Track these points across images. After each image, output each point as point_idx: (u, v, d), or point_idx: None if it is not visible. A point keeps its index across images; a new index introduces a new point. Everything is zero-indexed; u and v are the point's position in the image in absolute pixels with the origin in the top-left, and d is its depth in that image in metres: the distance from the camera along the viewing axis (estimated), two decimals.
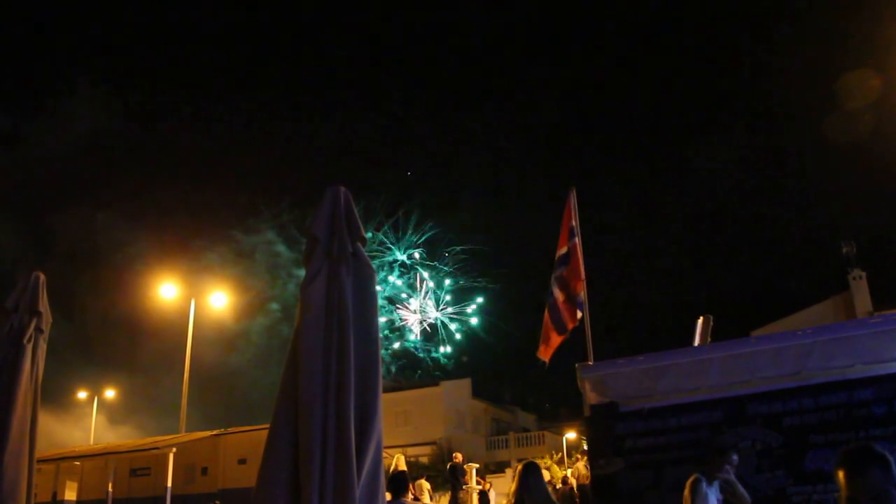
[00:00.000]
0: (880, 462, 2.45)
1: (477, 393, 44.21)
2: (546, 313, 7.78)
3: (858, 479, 2.43)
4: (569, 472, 23.89)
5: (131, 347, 50.79)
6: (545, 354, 7.62)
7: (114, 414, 46.38)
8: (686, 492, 5.03)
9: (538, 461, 7.29)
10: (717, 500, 5.12)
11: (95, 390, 42.81)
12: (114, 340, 51.25)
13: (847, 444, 3.85)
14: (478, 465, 22.43)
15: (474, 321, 50.68)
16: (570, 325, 7.64)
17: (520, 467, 6.43)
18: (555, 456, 33.37)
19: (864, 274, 29.10)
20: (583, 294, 7.73)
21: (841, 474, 2.50)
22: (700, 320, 8.20)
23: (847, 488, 2.47)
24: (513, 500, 6.27)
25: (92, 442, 37.88)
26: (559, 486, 21.26)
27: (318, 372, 3.08)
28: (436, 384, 44.09)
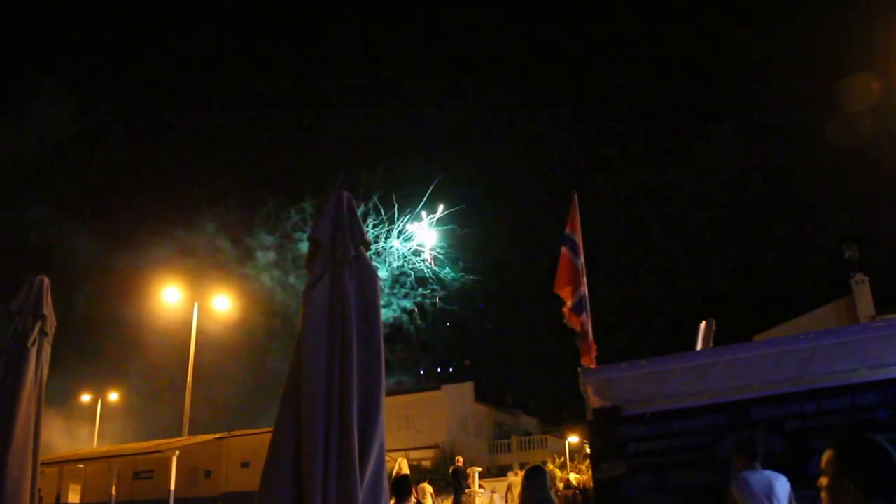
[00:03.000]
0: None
1: (479, 397, 44.19)
2: (587, 319, 7.27)
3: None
4: (571, 476, 23.84)
5: (134, 351, 50.79)
6: (592, 361, 7.10)
7: (116, 417, 46.42)
8: None
9: (540, 465, 7.24)
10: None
11: (99, 393, 42.89)
12: (116, 344, 51.29)
13: None
14: (480, 469, 22.43)
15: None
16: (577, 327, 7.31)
17: (523, 472, 6.45)
18: (557, 460, 33.37)
19: (866, 278, 29.09)
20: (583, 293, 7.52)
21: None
22: (702, 324, 8.22)
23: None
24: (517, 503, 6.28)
25: (95, 445, 37.91)
26: (561, 490, 21.24)
27: (321, 375, 3.09)
28: (438, 388, 44.08)
